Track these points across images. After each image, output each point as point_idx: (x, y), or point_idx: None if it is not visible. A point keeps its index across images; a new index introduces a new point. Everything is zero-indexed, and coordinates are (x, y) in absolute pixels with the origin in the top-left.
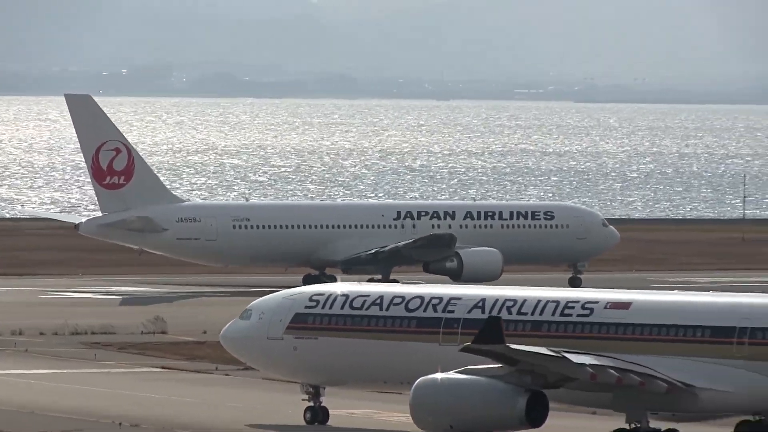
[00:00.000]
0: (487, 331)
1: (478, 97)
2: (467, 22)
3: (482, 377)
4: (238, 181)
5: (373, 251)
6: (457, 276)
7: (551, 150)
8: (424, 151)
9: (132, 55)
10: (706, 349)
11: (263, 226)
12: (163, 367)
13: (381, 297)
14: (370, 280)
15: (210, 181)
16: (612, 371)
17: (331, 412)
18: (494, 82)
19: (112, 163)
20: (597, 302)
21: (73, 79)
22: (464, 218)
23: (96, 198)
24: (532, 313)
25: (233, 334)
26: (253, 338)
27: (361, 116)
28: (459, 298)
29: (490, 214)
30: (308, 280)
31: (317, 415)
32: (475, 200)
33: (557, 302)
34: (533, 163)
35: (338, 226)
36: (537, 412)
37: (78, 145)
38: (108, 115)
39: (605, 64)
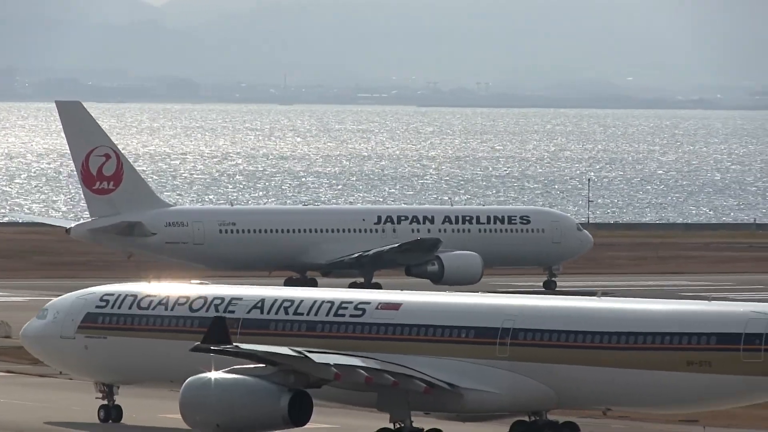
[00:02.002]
0: (213, 331)
1: (321, 102)
2: (311, 26)
3: (249, 377)
4: None
5: (356, 255)
6: (439, 279)
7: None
8: (259, 154)
9: None
10: (471, 350)
11: (249, 231)
12: (8, 371)
13: (167, 297)
14: (353, 284)
15: None
16: (361, 371)
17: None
18: (337, 86)
19: (101, 169)
20: (369, 303)
21: None
22: (443, 222)
23: (85, 203)
24: (308, 314)
25: (31, 333)
26: (48, 337)
27: (201, 120)
28: (240, 299)
29: (468, 218)
30: (290, 284)
31: (110, 413)
32: (452, 205)
33: (332, 303)
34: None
35: (321, 231)
36: (301, 412)
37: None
38: None
39: (448, 68)
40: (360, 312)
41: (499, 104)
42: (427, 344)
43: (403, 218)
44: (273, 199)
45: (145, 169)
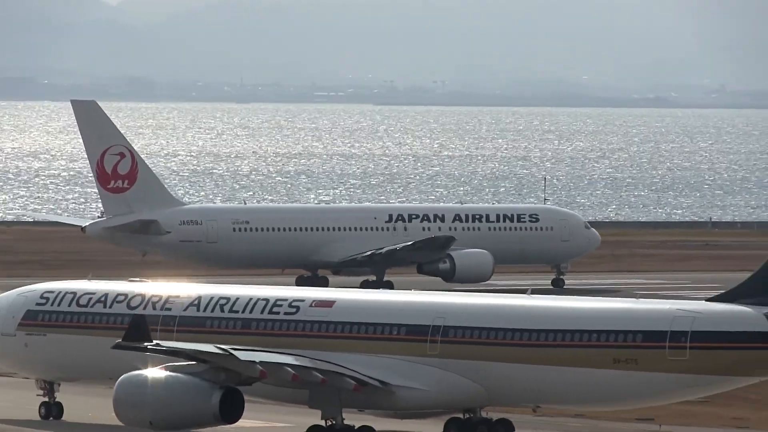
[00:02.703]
0: (134, 329)
1: (277, 100)
2: (266, 25)
3: (181, 374)
4: None
5: (368, 253)
6: (450, 277)
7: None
8: (210, 152)
9: None
10: (402, 348)
11: (262, 229)
12: None
13: (105, 295)
14: (364, 282)
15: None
16: (288, 368)
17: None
18: (293, 85)
19: (116, 168)
20: (303, 300)
21: None
22: (453, 221)
23: (101, 201)
24: (243, 311)
25: None
26: None
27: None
28: (177, 297)
29: (478, 216)
30: (301, 282)
31: (51, 410)
32: (462, 203)
33: (267, 300)
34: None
35: (334, 229)
36: (232, 409)
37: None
38: None
39: (405, 67)
40: (294, 310)
41: (455, 102)
42: (360, 342)
43: (414, 216)
44: (280, 198)
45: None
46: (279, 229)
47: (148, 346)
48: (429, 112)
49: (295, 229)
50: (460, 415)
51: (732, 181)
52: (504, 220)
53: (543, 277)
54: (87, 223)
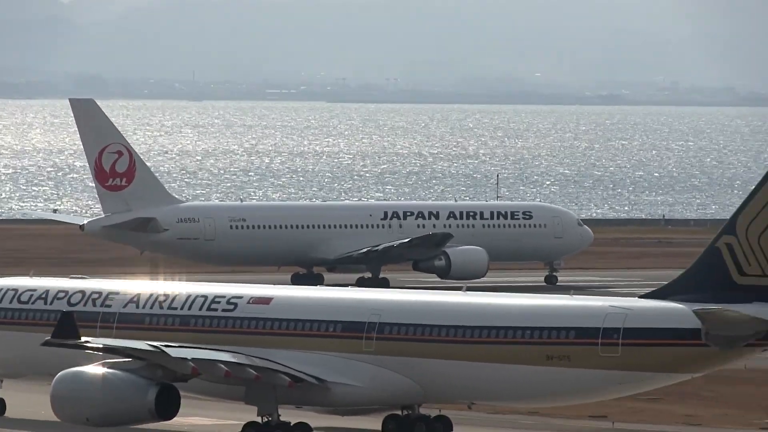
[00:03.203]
0: (62, 326)
1: (230, 98)
2: (220, 22)
3: (118, 371)
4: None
5: (364, 250)
6: (446, 274)
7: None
8: (162, 150)
9: None
10: (338, 344)
11: (259, 227)
12: None
13: (46, 292)
14: (360, 279)
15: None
16: (221, 365)
17: None
18: (245, 82)
19: (114, 166)
20: (241, 297)
21: None
22: (447, 218)
23: (99, 199)
24: (182, 308)
25: None
26: None
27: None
28: (117, 293)
29: (472, 213)
30: (296, 279)
31: None
32: (456, 201)
33: (205, 297)
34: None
35: (329, 226)
36: (168, 405)
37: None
38: None
39: (357, 64)
40: (232, 306)
41: (407, 100)
42: (296, 338)
43: (408, 214)
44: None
45: (43, 165)
46: (275, 227)
47: (77, 343)
48: (380, 109)
49: (292, 227)
50: (399, 412)
51: (684, 179)
52: (498, 217)
53: (536, 274)
54: (85, 221)
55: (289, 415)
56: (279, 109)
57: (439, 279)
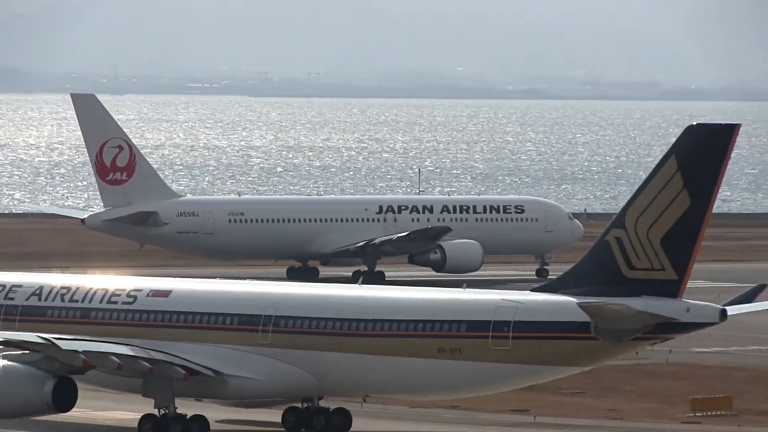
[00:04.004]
0: None
1: (151, 92)
2: (142, 16)
3: (16, 363)
4: None
5: (361, 244)
6: (441, 267)
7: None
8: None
9: None
10: (235, 337)
11: (257, 220)
12: None
13: None
14: (356, 273)
15: None
16: (113, 358)
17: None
18: (167, 77)
19: (115, 160)
20: (141, 290)
21: None
22: (441, 212)
23: (99, 193)
24: (83, 301)
25: None
26: None
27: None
28: (20, 286)
29: (465, 207)
30: (292, 272)
31: None
32: (449, 195)
33: (106, 290)
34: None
35: (325, 220)
36: (65, 397)
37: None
38: None
39: (279, 59)
40: (132, 299)
41: (330, 94)
42: (194, 331)
43: (403, 208)
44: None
45: None
46: (273, 221)
47: None
48: (302, 103)
49: (289, 221)
50: (299, 405)
51: (604, 172)
52: (490, 211)
53: (527, 267)
54: (86, 215)
55: (186, 407)
56: (198, 103)
57: (434, 272)
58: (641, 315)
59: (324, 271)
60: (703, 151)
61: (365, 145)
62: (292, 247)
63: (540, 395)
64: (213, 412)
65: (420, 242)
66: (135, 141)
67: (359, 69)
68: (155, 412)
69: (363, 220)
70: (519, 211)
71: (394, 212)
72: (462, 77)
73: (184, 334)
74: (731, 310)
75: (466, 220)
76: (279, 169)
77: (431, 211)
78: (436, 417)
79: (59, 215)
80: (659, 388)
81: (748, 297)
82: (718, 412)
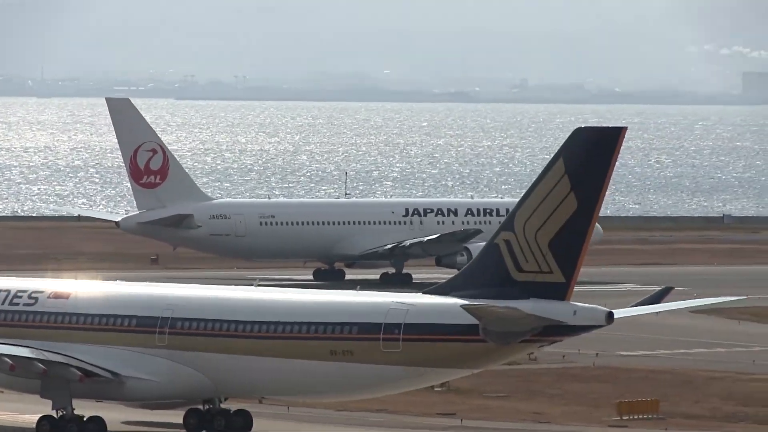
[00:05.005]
0: None
1: (78, 95)
2: (67, 19)
3: None
4: None
5: (389, 246)
6: None
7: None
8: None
9: None
10: (133, 339)
11: (287, 223)
12: None
13: None
14: (384, 275)
15: None
16: (6, 359)
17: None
18: (94, 79)
19: (148, 163)
20: (43, 292)
21: None
22: (466, 215)
23: (133, 196)
24: None
25: None
26: None
27: None
28: None
29: (488, 210)
30: (318, 274)
31: None
32: (473, 198)
33: (8, 291)
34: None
35: (353, 223)
36: None
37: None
38: None
39: (206, 61)
40: (33, 301)
41: (256, 97)
42: (94, 333)
43: (428, 211)
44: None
45: None
46: (302, 223)
47: None
48: (228, 106)
49: (318, 223)
50: (200, 407)
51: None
52: None
53: None
54: (120, 218)
55: (84, 408)
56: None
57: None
58: (528, 317)
59: (350, 273)
60: (590, 154)
61: (285, 147)
62: (320, 249)
63: (467, 399)
64: (117, 413)
65: (447, 245)
66: (55, 144)
67: (286, 72)
68: (53, 413)
69: (390, 222)
70: None
71: (419, 215)
72: (389, 80)
73: (83, 336)
74: (625, 312)
75: (490, 222)
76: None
77: (456, 214)
78: (363, 420)
79: (93, 218)
80: (585, 392)
81: (656, 299)
82: (645, 416)
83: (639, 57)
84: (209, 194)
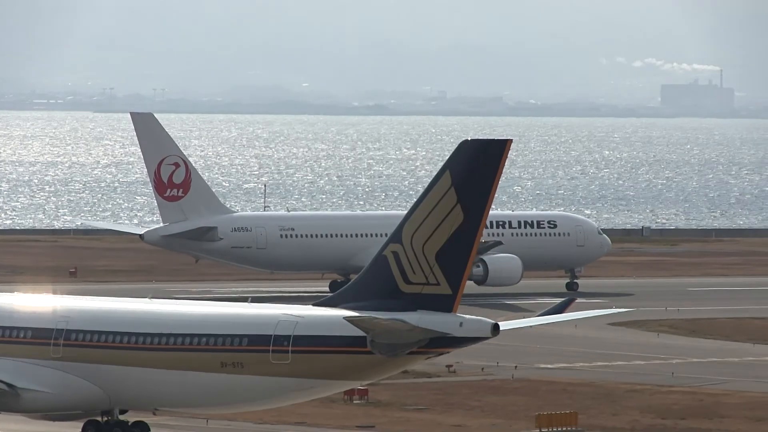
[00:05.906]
0: None
1: None
2: None
3: None
4: None
5: None
6: (483, 281)
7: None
8: None
9: None
10: (28, 350)
11: (307, 235)
12: None
13: None
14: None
15: None
16: None
17: None
18: (12, 92)
19: (172, 177)
20: None
21: None
22: None
23: (158, 209)
24: None
25: None
26: None
27: None
28: None
29: (501, 223)
30: (333, 286)
31: None
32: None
33: None
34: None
35: (370, 235)
36: None
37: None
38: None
39: (125, 74)
40: None
41: (174, 110)
42: None
43: None
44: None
45: None
46: (322, 236)
47: None
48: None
49: (337, 236)
50: (99, 418)
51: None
52: (525, 226)
53: (559, 280)
54: (144, 231)
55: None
56: (43, 119)
57: (475, 285)
58: (414, 330)
59: None
60: (476, 167)
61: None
62: (338, 261)
63: (386, 411)
64: (15, 424)
65: None
66: None
67: (205, 84)
68: None
69: None
70: (552, 226)
71: None
72: (308, 93)
73: None
74: (511, 324)
75: (503, 234)
76: (94, 185)
77: None
78: (276, 430)
79: (117, 231)
80: (504, 404)
81: (559, 309)
82: (564, 428)
83: (555, 70)
84: (229, 207)
